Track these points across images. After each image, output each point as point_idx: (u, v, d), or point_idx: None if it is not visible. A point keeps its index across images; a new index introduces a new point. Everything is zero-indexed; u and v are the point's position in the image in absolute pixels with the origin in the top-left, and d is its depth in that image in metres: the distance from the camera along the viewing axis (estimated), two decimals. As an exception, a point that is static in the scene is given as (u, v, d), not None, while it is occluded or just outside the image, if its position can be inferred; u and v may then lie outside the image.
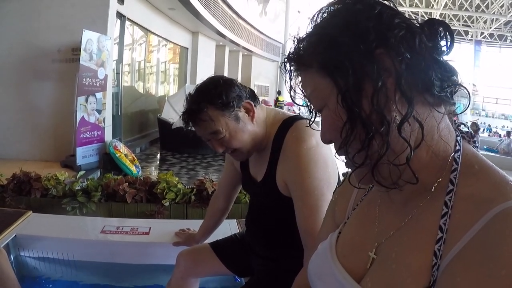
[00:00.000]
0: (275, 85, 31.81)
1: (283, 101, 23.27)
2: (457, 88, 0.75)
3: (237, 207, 2.17)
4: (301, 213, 1.58)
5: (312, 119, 0.90)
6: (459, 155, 0.76)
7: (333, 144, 0.81)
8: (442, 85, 0.73)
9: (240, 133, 1.63)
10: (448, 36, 0.72)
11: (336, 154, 0.79)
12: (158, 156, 9.89)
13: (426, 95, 0.72)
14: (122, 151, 7.31)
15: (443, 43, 0.73)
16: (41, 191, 3.78)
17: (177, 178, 3.92)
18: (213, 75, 1.69)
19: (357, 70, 0.69)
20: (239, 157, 1.79)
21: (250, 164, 1.88)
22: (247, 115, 1.64)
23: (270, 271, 1.88)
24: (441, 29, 0.72)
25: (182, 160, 9.02)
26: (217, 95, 1.57)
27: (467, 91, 0.77)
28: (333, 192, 1.20)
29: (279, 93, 24.95)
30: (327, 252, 0.90)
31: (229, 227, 2.78)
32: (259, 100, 1.72)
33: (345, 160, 0.79)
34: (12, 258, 2.64)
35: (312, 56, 0.75)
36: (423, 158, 0.75)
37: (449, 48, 0.73)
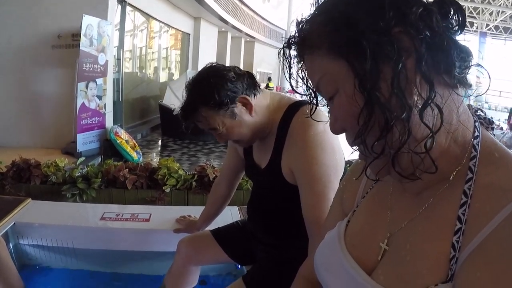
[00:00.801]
0: (277, 72, 31.71)
1: (272, 87, 23.40)
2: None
3: (239, 193, 2.13)
4: (307, 201, 1.54)
5: (314, 107, 0.86)
6: (478, 142, 0.71)
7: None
8: (461, 66, 0.68)
9: (237, 128, 1.60)
10: (460, 16, 0.67)
11: (351, 144, 0.74)
12: (159, 142, 9.85)
13: (445, 77, 0.68)
14: (123, 137, 7.27)
15: (454, 23, 0.68)
16: (40, 178, 3.74)
17: (178, 164, 3.88)
18: (209, 64, 1.64)
19: (375, 50, 0.64)
20: (241, 145, 1.78)
21: (254, 151, 1.83)
22: (244, 108, 1.59)
23: (273, 259, 1.83)
24: (452, 8, 0.67)
25: (183, 146, 8.99)
26: (210, 96, 1.53)
27: (487, 72, 0.73)
28: (341, 179, 1.15)
29: (269, 79, 24.98)
30: (336, 241, 0.86)
31: (230, 214, 2.73)
32: (259, 87, 1.67)
33: (361, 151, 0.73)
34: (11, 247, 2.61)
35: (320, 37, 0.69)
36: (442, 145, 0.70)
37: (461, 28, 0.68)
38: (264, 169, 1.72)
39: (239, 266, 2.48)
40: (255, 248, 1.98)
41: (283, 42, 0.78)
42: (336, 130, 0.76)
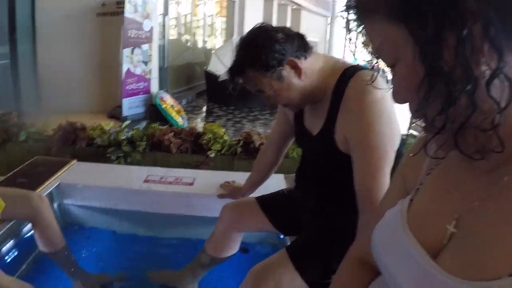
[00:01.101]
0: (324, 41, 31.06)
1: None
2: None
3: (284, 162, 2.08)
4: (360, 172, 1.45)
5: (375, 74, 0.82)
6: None
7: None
8: None
9: (286, 91, 1.53)
10: None
11: (412, 117, 0.69)
12: (205, 108, 9.85)
13: None
14: (168, 102, 7.28)
15: None
16: (86, 141, 3.76)
17: (223, 129, 3.81)
18: (258, 25, 1.56)
19: (438, 14, 0.56)
20: (291, 109, 1.69)
21: (305, 116, 1.73)
22: (293, 71, 1.51)
23: (322, 228, 1.74)
24: None
25: (228, 112, 8.94)
26: (257, 58, 1.47)
27: None
28: (400, 152, 1.06)
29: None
30: (397, 221, 0.79)
31: (276, 182, 2.64)
32: (310, 49, 1.56)
33: (423, 124, 0.67)
34: (55, 206, 2.65)
35: (378, 0, 0.63)
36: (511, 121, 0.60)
37: None
38: (316, 135, 1.63)
39: (282, 236, 2.43)
40: (301, 218, 1.89)
41: (344, 5, 0.72)
42: (397, 100, 0.70)
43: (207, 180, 2.73)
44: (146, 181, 2.72)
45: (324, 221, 1.75)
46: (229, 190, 2.46)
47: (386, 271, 0.79)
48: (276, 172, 2.25)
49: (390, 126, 1.43)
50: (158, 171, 2.91)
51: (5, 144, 3.79)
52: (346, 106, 1.48)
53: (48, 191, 2.53)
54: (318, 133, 1.61)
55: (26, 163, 2.89)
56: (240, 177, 2.54)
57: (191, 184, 2.67)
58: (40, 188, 2.50)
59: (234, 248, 2.14)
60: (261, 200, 2.03)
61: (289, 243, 2.08)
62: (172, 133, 3.74)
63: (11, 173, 2.68)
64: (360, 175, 1.45)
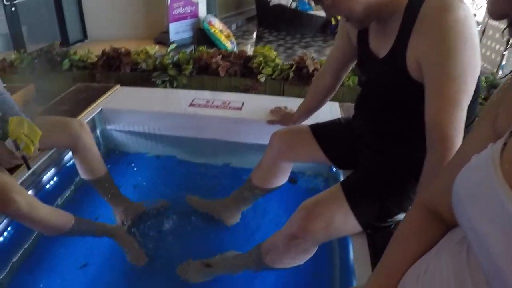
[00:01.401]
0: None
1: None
2: None
3: (338, 90, 1.93)
4: (434, 104, 1.24)
5: None
6: None
7: None
8: None
9: (346, 1, 1.31)
10: None
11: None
12: (255, 34, 9.51)
13: None
14: (217, 26, 7.04)
15: None
16: (130, 65, 3.70)
17: (275, 52, 3.61)
18: None
19: None
20: (354, 25, 1.44)
21: (371, 36, 1.51)
22: None
23: (381, 166, 1.56)
24: None
25: (279, 38, 8.58)
26: None
27: None
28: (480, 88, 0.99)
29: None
30: (489, 168, 0.66)
31: (330, 110, 2.48)
32: None
33: None
34: (98, 133, 2.62)
35: None
36: None
37: None
38: (383, 58, 1.42)
39: (334, 169, 2.26)
40: (359, 151, 1.70)
41: None
42: (496, 14, 0.63)
43: (257, 105, 2.57)
44: (191, 105, 2.61)
45: (384, 158, 1.56)
46: (280, 116, 2.29)
47: (468, 225, 0.67)
48: (331, 100, 2.05)
49: (474, 52, 1.21)
50: (205, 95, 2.79)
51: (48, 74, 3.79)
52: (422, 25, 1.26)
53: (90, 117, 2.48)
54: (385, 55, 1.40)
55: (68, 90, 2.84)
56: (292, 103, 2.37)
57: (239, 108, 2.53)
58: (82, 114, 2.46)
59: (282, 179, 2.01)
60: (315, 128, 1.85)
61: (342, 178, 1.93)
62: (220, 56, 3.62)
63: (52, 101, 2.63)
64: (433, 108, 1.24)
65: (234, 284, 1.80)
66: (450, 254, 0.72)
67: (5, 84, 1.83)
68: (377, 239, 1.50)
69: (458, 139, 1.21)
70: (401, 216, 1.48)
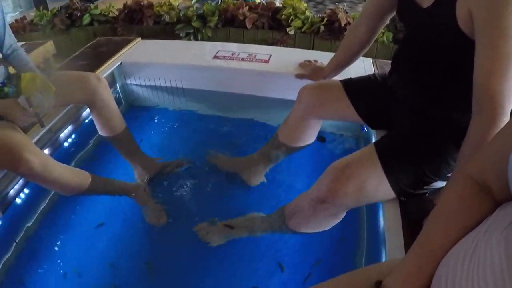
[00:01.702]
0: None
1: None
2: None
3: (372, 46, 1.81)
4: (485, 64, 1.08)
5: None
6: None
7: None
8: None
9: None
10: None
11: None
12: (284, -13, 9.25)
13: None
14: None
15: None
16: (153, 18, 3.61)
17: (305, 4, 3.43)
18: None
19: None
20: None
21: None
22: None
23: (419, 128, 1.41)
24: None
25: (310, -8, 8.30)
26: None
27: None
28: None
29: None
30: None
31: (363, 66, 2.34)
32: None
33: None
34: (118, 87, 2.55)
35: None
36: None
37: None
38: (429, 8, 1.27)
39: (366, 129, 2.15)
40: (394, 111, 1.56)
41: None
42: None
43: (285, 57, 2.43)
44: (215, 57, 2.50)
45: (423, 119, 1.41)
46: (309, 70, 2.15)
47: None
48: (363, 56, 1.93)
49: None
50: (230, 47, 2.67)
51: (69, 30, 3.74)
52: None
53: (109, 71, 2.40)
54: (431, 5, 1.26)
55: (87, 45, 2.75)
56: (322, 58, 2.23)
57: (267, 61, 2.41)
58: (100, 69, 2.37)
59: (310, 137, 1.90)
60: (347, 83, 1.71)
61: (374, 139, 1.79)
62: (247, 8, 3.49)
63: (71, 56, 2.55)
64: (484, 68, 1.09)
65: (254, 247, 1.72)
66: (502, 236, 0.63)
67: (23, 42, 1.74)
68: (411, 207, 1.38)
69: (510, 104, 1.06)
70: (437, 184, 1.36)
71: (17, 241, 1.71)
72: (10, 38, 1.69)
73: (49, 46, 2.98)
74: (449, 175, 1.32)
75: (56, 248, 1.72)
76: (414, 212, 1.33)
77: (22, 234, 1.73)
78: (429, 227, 0.79)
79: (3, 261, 1.63)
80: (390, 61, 1.62)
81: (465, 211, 0.76)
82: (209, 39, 3.44)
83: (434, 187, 1.37)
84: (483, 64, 1.09)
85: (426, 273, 0.75)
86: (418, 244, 0.79)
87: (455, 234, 0.74)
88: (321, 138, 2.17)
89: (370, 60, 2.45)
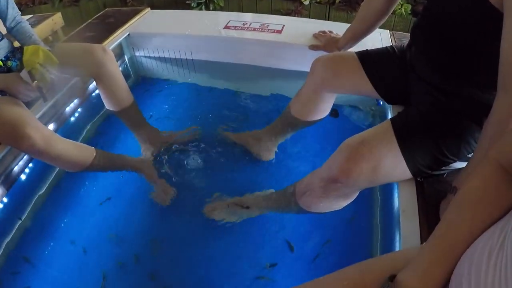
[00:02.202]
0: None
1: None
2: None
3: (389, 19, 1.74)
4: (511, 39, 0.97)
5: None
6: None
7: None
8: None
9: None
10: None
11: None
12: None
13: None
14: None
15: None
16: None
17: (321, -28, 3.31)
18: None
19: None
20: None
21: None
22: None
23: (439, 106, 1.31)
24: None
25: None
26: None
27: None
28: None
29: None
30: None
31: (380, 39, 2.24)
32: None
33: None
34: (126, 59, 2.50)
35: None
36: None
37: None
38: None
39: (381, 103, 2.09)
40: (412, 85, 1.47)
41: None
42: None
43: (299, 28, 2.35)
44: (227, 27, 2.42)
45: (443, 96, 1.32)
46: (324, 41, 2.07)
47: None
48: (381, 27, 1.85)
49: None
50: (242, 17, 2.58)
51: (78, 1, 3.69)
52: None
53: (116, 43, 2.34)
54: None
55: (95, 16, 2.68)
56: (338, 29, 2.15)
57: (279, 32, 2.33)
58: (107, 40, 2.30)
59: (323, 111, 1.82)
60: (363, 55, 1.62)
61: (390, 115, 1.71)
62: None
63: (78, 28, 2.49)
64: (509, 44, 0.98)
65: (262, 225, 1.67)
66: None
67: (31, 15, 1.70)
68: (428, 189, 1.31)
69: None
70: (456, 165, 1.28)
71: (22, 218, 1.68)
72: (13, 10, 1.65)
73: (57, 18, 2.92)
74: (469, 155, 1.24)
75: (61, 225, 1.70)
76: (431, 194, 1.26)
77: (27, 212, 1.71)
78: (450, 217, 0.72)
79: (8, 239, 1.61)
80: (408, 34, 1.53)
81: (492, 200, 0.69)
82: (222, 9, 3.36)
83: (452, 167, 1.29)
84: (509, 36, 0.98)
85: (445, 269, 0.68)
86: (437, 236, 0.72)
87: (480, 226, 0.67)
88: (334, 112, 2.10)
89: (387, 32, 2.34)
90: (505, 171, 0.70)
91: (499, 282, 0.55)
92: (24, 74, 1.50)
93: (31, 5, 3.89)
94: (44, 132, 1.48)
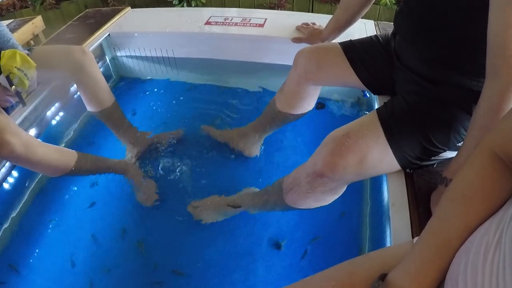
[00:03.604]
0: None
1: None
2: None
3: (374, 9, 1.69)
4: (501, 19, 0.93)
5: None
6: None
7: None
8: None
9: None
10: None
11: None
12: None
13: None
14: None
15: None
16: None
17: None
18: None
19: None
20: None
21: None
22: None
23: (424, 94, 1.28)
24: None
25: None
26: None
27: None
28: None
29: None
30: None
31: (364, 29, 2.21)
32: None
33: None
34: (107, 60, 2.46)
35: None
36: None
37: None
38: None
39: (367, 95, 2.06)
40: (398, 74, 1.43)
41: None
42: None
43: (281, 21, 2.31)
44: (208, 23, 2.38)
45: (430, 84, 1.28)
46: (307, 33, 2.02)
47: None
48: (365, 18, 1.80)
49: None
50: (223, 12, 2.54)
51: (59, 4, 3.64)
52: None
53: (97, 43, 2.30)
54: None
55: (75, 18, 2.63)
56: (321, 20, 2.11)
57: (261, 25, 2.29)
58: (87, 41, 2.25)
59: (308, 104, 1.78)
60: (347, 46, 1.57)
61: (376, 106, 1.68)
62: None
63: (58, 30, 2.43)
64: (500, 25, 0.93)
65: (248, 223, 1.64)
66: None
67: (12, 20, 1.64)
68: (418, 181, 1.28)
69: None
70: (446, 154, 1.26)
71: (5, 226, 1.65)
72: None
73: (37, 22, 2.88)
74: (459, 144, 1.21)
75: (47, 231, 1.66)
76: (421, 186, 1.23)
77: (10, 219, 1.67)
78: (443, 212, 0.68)
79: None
80: (393, 23, 1.49)
81: (487, 192, 0.65)
82: (203, 5, 3.33)
83: (442, 157, 1.27)
84: (498, 20, 0.93)
85: (439, 267, 0.64)
86: (430, 232, 0.68)
87: (475, 220, 0.63)
88: (320, 105, 2.07)
89: (372, 22, 2.31)
90: (500, 161, 0.66)
91: (496, 280, 0.51)
92: (1, 79, 1.45)
93: (12, 10, 3.85)
94: (24, 138, 1.44)
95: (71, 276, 1.51)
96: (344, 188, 1.33)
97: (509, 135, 0.65)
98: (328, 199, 1.36)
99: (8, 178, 1.73)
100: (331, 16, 1.91)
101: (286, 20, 2.28)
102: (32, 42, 2.70)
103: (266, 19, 2.34)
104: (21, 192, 1.76)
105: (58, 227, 1.68)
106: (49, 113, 1.99)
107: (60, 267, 1.53)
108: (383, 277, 0.69)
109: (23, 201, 1.74)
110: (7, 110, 1.59)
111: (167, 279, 1.49)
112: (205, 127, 2.02)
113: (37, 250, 1.58)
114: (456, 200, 0.67)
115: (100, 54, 2.37)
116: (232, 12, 2.53)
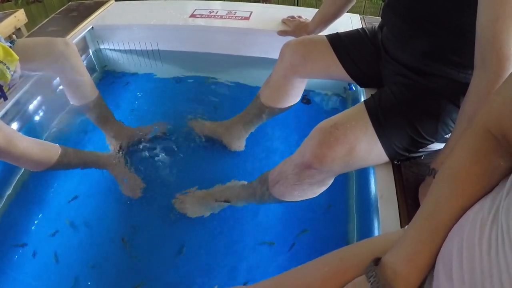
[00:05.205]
0: None
1: None
2: None
3: (360, 3, 1.68)
4: (489, 11, 0.93)
5: None
6: None
7: None
8: None
9: None
10: None
11: None
12: None
13: None
14: None
15: None
16: None
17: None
18: None
19: None
20: None
21: None
22: None
23: (411, 86, 1.27)
24: None
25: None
26: None
27: None
28: None
29: None
30: None
31: (350, 23, 2.20)
32: None
33: None
34: (90, 53, 2.41)
35: None
36: None
37: None
38: None
39: (354, 88, 2.05)
40: (385, 67, 1.42)
41: None
42: None
43: (267, 14, 2.30)
44: (192, 16, 2.36)
45: (418, 76, 1.27)
46: (293, 26, 2.02)
47: None
48: (351, 12, 1.79)
49: None
50: (208, 5, 2.52)
51: None
52: None
53: (80, 36, 2.25)
54: None
55: (58, 11, 2.58)
56: (307, 14, 2.10)
57: (247, 18, 2.27)
58: (70, 34, 2.21)
59: (294, 98, 1.77)
60: (334, 38, 1.57)
61: (363, 98, 1.67)
62: None
63: (41, 23, 2.39)
64: (488, 16, 0.93)
65: (234, 216, 1.62)
66: None
67: None
68: (406, 172, 1.27)
69: None
70: (434, 146, 1.26)
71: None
72: None
73: (20, 15, 2.81)
74: (447, 136, 1.21)
75: (29, 227, 1.63)
76: (409, 177, 1.22)
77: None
78: (436, 194, 0.67)
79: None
80: (379, 18, 1.48)
81: (482, 172, 0.64)
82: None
83: (430, 149, 1.27)
84: (487, 12, 0.93)
85: (434, 248, 0.63)
86: (423, 215, 0.67)
87: (471, 201, 0.62)
88: (305, 98, 2.06)
89: (358, 16, 2.31)
90: (494, 138, 0.65)
91: (496, 253, 0.50)
92: None
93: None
94: (6, 131, 1.40)
95: (55, 271, 1.47)
96: (332, 180, 1.33)
97: (503, 109, 0.64)
98: (316, 192, 1.36)
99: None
100: (316, 10, 1.92)
101: (272, 13, 2.27)
102: (14, 36, 2.64)
103: (251, 12, 2.33)
104: (3, 187, 1.72)
105: (41, 222, 1.64)
106: (31, 106, 1.94)
107: (43, 263, 1.50)
108: (377, 261, 0.69)
109: (5, 196, 1.70)
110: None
111: (151, 273, 1.46)
112: (191, 120, 2.00)
113: (19, 246, 1.55)
114: (451, 182, 0.66)
115: (83, 47, 2.32)
116: (217, 5, 2.50)
